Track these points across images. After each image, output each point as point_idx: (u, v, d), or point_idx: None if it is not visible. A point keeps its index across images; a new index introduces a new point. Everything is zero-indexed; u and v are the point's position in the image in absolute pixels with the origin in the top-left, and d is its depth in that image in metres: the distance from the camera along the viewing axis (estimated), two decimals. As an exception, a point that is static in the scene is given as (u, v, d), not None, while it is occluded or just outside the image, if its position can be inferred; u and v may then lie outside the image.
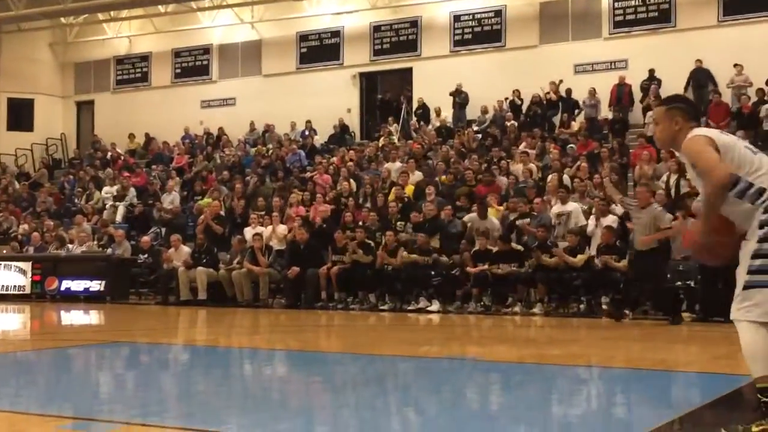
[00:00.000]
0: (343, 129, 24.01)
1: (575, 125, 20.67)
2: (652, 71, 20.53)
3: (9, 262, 18.40)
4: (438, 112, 22.67)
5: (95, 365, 8.81)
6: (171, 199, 20.70)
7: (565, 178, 16.55)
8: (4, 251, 19.46)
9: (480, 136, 21.01)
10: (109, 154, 26.10)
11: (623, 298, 12.61)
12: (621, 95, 20.73)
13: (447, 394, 6.40)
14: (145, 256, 17.81)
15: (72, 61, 29.66)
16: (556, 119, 21.35)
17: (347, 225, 16.29)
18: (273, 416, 5.40)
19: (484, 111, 22.11)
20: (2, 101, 29.05)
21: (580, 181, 15.98)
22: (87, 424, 5.16)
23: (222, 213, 18.42)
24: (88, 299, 17.16)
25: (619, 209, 13.76)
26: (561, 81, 21.49)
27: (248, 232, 16.86)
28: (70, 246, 18.84)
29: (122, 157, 25.45)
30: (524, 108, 21.76)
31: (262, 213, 17.69)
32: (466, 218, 15.38)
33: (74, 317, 14.90)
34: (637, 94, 20.64)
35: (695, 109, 4.88)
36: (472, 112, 22.52)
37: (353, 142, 23.56)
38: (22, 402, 6.05)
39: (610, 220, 13.90)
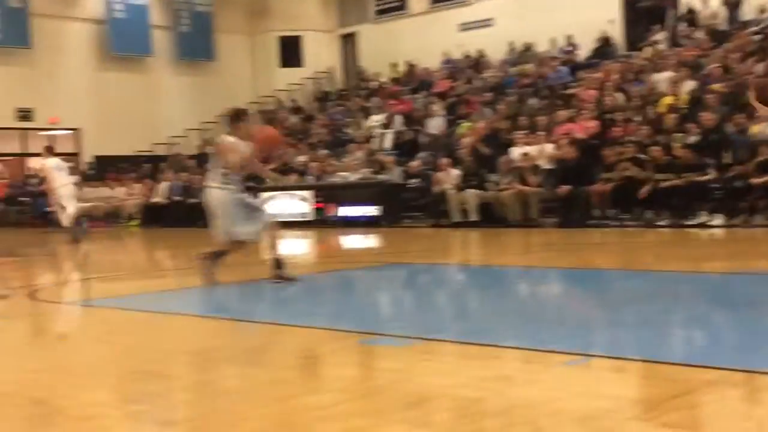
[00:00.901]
0: (605, 41, 23.13)
1: None
2: None
3: (293, 192, 19.64)
4: (709, 15, 21.23)
5: (379, 285, 9.21)
6: (436, 124, 21.03)
7: None
8: (288, 181, 20.72)
9: (758, 37, 19.45)
10: (375, 83, 26.88)
11: None
12: None
13: (738, 310, 6.08)
14: (416, 180, 18.29)
15: (334, -5, 30.68)
16: None
17: (617, 140, 15.79)
18: (553, 333, 5.39)
19: (762, 9, 20.41)
20: (275, 40, 30.70)
21: None
22: (384, 339, 5.41)
23: (487, 134, 18.46)
24: (364, 224, 17.93)
25: None
26: None
27: (515, 152, 16.80)
28: (344, 174, 19.72)
29: (387, 86, 26.12)
30: (809, 2, 19.83)
31: (528, 132, 17.54)
32: (750, 127, 14.39)
33: (354, 241, 15.63)
34: None
35: None
36: (747, 12, 20.87)
37: (618, 55, 22.64)
38: (319, 319, 6.44)
39: None
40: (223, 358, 5.07)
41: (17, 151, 28.41)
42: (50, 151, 16.77)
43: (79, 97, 27.35)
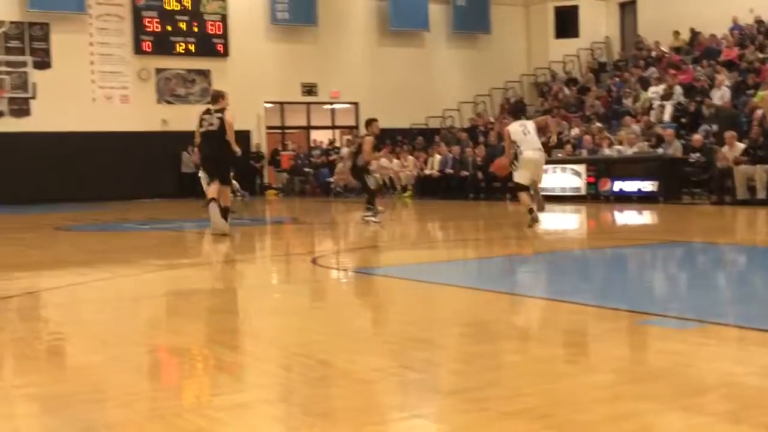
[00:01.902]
0: None
1: None
2: None
3: (564, 165, 19.34)
4: None
5: (654, 264, 8.88)
6: (721, 95, 19.85)
7: None
8: (559, 155, 20.43)
9: None
10: (654, 53, 25.80)
11: None
12: None
13: None
14: (697, 154, 17.38)
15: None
16: None
17: None
18: None
19: None
20: (550, 10, 30.28)
21: None
22: (658, 320, 5.21)
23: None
24: (640, 200, 17.33)
25: None
26: None
27: (814, 124, 15.52)
28: (620, 148, 19.14)
29: (667, 55, 24.99)
30: None
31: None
32: None
33: (628, 217, 15.17)
34: None
35: None
36: None
37: None
38: (591, 296, 6.30)
39: None
40: (496, 331, 5.10)
41: (303, 124, 30.21)
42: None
43: (359, 72, 28.52)
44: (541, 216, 11.90)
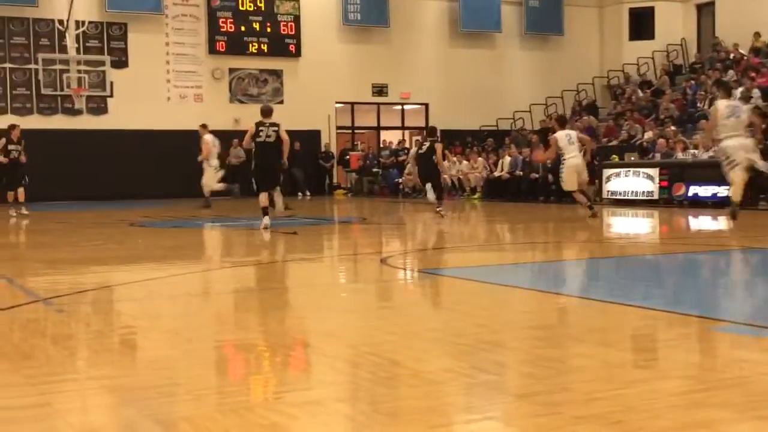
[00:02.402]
0: None
1: None
2: None
3: (637, 169, 19.04)
4: None
5: (727, 270, 8.71)
6: (801, 99, 19.36)
7: None
8: (632, 158, 20.14)
9: None
10: (732, 55, 25.24)
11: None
12: None
13: None
14: (775, 160, 16.95)
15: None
16: None
17: None
18: None
19: None
20: (625, 12, 29.86)
21: None
22: (733, 327, 5.11)
23: None
24: (715, 205, 16.97)
25: None
26: None
27: None
28: (695, 152, 18.77)
29: (746, 57, 24.43)
30: None
31: None
32: None
33: (702, 223, 14.87)
34: None
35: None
36: None
37: None
38: (661, 302, 6.19)
39: None
40: (566, 335, 5.06)
41: (373, 124, 30.33)
42: (206, 128, 19.53)
43: (429, 73, 28.52)
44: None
